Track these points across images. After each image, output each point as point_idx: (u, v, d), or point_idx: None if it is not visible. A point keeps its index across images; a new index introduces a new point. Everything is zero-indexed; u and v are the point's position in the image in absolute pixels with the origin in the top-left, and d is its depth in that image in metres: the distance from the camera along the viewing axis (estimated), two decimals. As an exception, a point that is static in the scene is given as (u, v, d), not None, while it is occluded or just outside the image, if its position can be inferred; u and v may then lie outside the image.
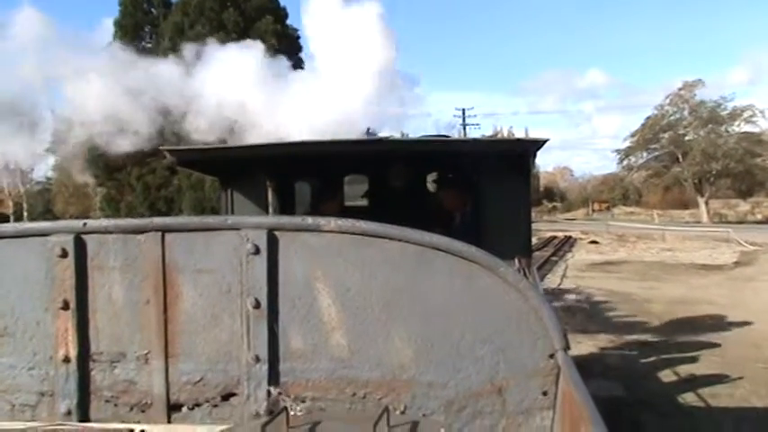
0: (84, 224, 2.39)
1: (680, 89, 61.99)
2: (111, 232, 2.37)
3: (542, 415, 2.25)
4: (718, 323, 13.42)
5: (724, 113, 60.26)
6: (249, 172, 5.51)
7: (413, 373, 2.28)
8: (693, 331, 12.61)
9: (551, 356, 2.21)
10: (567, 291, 18.38)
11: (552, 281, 20.54)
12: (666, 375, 9.61)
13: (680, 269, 24.19)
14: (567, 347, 2.20)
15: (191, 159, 5.59)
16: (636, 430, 7.08)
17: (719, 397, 8.43)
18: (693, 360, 10.31)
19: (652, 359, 10.59)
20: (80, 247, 2.36)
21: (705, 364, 10.05)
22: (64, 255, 2.34)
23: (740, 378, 9.22)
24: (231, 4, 32.69)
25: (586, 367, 9.40)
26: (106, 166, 35.75)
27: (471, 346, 2.26)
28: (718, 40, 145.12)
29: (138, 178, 36.94)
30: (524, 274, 4.19)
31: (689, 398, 8.47)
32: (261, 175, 5.57)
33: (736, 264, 25.74)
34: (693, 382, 9.07)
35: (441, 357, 2.27)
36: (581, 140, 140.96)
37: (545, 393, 2.24)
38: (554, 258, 27.74)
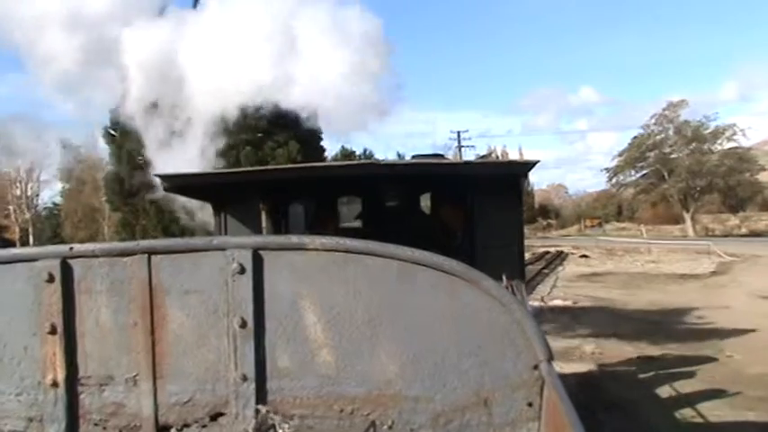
0: (71, 248, 2.40)
1: (664, 109, 65.05)
2: (97, 256, 2.37)
3: (528, 426, 2.26)
4: (680, 318, 15.63)
5: (707, 132, 63.07)
6: (242, 196, 5.53)
7: (399, 387, 2.29)
8: (656, 324, 14.86)
9: (535, 368, 2.23)
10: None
11: (543, 290, 22.67)
12: (633, 359, 11.73)
13: (660, 278, 26.41)
14: (550, 358, 2.22)
15: (182, 185, 5.65)
16: (597, 391, 9.18)
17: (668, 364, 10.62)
18: (654, 344, 12.53)
19: (622, 346, 12.73)
20: (67, 271, 2.36)
21: (660, 347, 12.27)
22: (51, 279, 2.35)
23: (690, 354, 11.44)
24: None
25: (566, 354, 11.54)
26: (121, 191, 37.83)
27: (456, 359, 2.27)
28: (710, 56, 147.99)
29: (151, 202, 38.57)
30: (512, 290, 4.29)
31: (647, 371, 10.62)
32: (254, 199, 5.60)
33: (713, 273, 27.98)
34: (652, 359, 11.27)
35: (426, 371, 2.28)
36: (575, 158, 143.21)
37: (530, 404, 2.25)
38: (545, 271, 29.93)
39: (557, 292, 22.37)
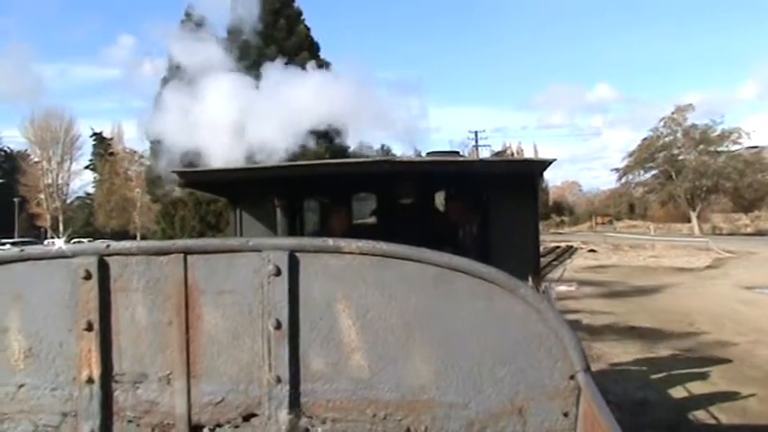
0: (108, 246, 2.44)
1: (673, 113, 67.75)
2: (134, 254, 2.41)
3: None
4: (663, 300, 18.51)
5: (713, 135, 65.61)
6: (257, 192, 5.54)
7: (433, 393, 2.30)
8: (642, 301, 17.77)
9: (572, 377, 2.23)
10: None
11: (551, 279, 25.51)
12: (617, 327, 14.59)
13: (659, 271, 29.21)
14: (587, 368, 2.21)
15: (199, 180, 5.76)
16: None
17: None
18: (636, 314, 15.44)
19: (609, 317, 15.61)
20: (104, 268, 2.40)
21: (641, 315, 15.17)
22: (88, 276, 2.38)
23: (663, 328, 14.29)
24: (273, 42, 37.99)
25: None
26: (161, 184, 40.75)
27: (491, 367, 2.27)
28: (728, 54, 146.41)
29: (189, 194, 41.05)
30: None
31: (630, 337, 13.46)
32: (269, 195, 5.59)
33: (707, 267, 30.75)
34: (633, 329, 14.15)
35: (461, 378, 2.29)
36: (590, 155, 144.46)
37: (566, 415, 2.25)
38: (555, 263, 32.66)
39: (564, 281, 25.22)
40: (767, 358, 11.08)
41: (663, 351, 11.99)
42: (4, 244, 50.99)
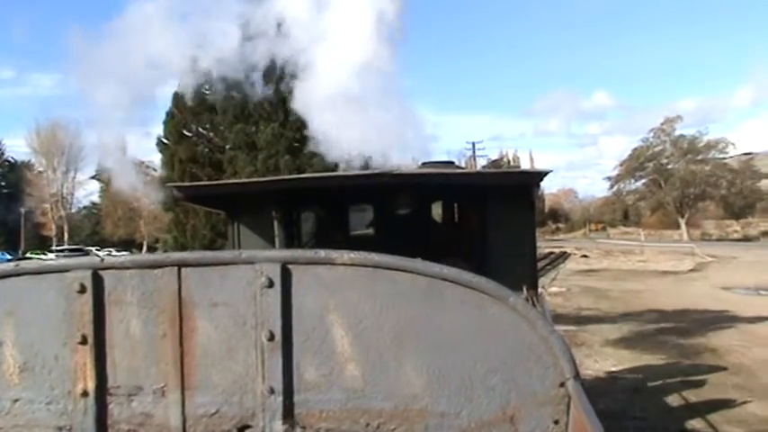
0: (102, 260, 2.46)
1: (662, 124, 70.81)
2: (128, 268, 2.41)
3: None
4: (642, 296, 20.79)
5: (700, 145, 68.30)
6: (255, 205, 5.59)
7: (425, 402, 2.32)
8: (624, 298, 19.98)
9: (562, 385, 2.25)
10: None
11: (545, 282, 27.51)
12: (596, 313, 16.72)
13: (645, 274, 31.40)
14: (577, 376, 2.24)
15: (197, 195, 5.80)
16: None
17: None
18: (618, 308, 17.62)
19: (594, 310, 17.75)
20: (98, 282, 2.40)
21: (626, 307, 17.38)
22: (82, 290, 2.38)
23: (635, 312, 16.46)
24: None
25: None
26: (173, 194, 42.73)
27: (483, 375, 2.29)
28: (724, 61, 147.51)
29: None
30: (533, 303, 4.28)
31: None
32: (267, 208, 5.63)
33: (690, 270, 33.01)
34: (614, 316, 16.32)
35: (453, 387, 2.31)
36: (586, 162, 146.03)
37: (556, 422, 2.26)
38: (548, 267, 34.91)
39: (556, 283, 27.36)
40: (714, 341, 13.30)
41: (634, 338, 14.14)
42: (62, 251, 52.88)
